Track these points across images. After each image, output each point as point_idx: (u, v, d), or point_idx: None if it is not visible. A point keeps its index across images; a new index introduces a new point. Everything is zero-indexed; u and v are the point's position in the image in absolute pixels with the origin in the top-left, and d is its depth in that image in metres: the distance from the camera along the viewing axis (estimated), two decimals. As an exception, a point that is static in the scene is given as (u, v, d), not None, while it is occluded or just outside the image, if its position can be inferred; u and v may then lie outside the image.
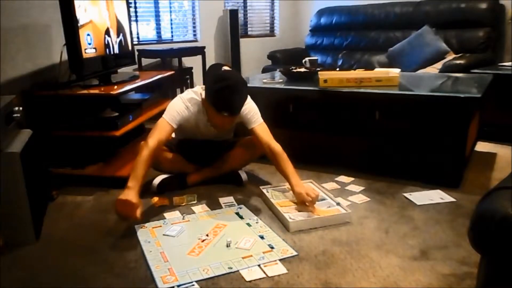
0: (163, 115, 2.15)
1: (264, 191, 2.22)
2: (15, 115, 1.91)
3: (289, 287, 1.47)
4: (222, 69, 2.30)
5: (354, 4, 4.79)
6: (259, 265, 1.59)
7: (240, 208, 2.11)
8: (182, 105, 2.18)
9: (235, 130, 2.61)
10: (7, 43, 2.43)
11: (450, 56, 3.76)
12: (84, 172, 2.49)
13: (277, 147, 2.16)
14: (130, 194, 1.87)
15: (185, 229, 1.90)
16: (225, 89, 2.02)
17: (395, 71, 2.71)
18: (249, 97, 2.22)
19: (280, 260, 1.63)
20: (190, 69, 4.30)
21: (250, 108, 2.21)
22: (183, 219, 2.01)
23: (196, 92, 2.22)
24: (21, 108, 1.94)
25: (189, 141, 2.45)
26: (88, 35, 2.51)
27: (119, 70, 3.05)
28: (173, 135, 2.64)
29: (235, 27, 4.75)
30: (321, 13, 5.02)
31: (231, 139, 2.55)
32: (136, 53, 3.70)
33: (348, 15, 4.78)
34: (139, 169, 1.96)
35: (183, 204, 2.18)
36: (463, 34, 3.95)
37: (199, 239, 1.80)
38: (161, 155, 2.33)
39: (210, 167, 2.42)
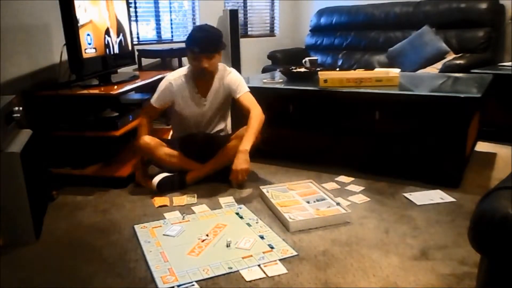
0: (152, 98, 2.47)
1: (264, 191, 2.22)
2: (15, 115, 1.91)
3: (289, 287, 1.47)
4: None
5: (354, 4, 4.78)
6: (259, 265, 1.59)
7: (240, 208, 2.11)
8: (165, 82, 2.42)
9: (233, 127, 2.63)
10: (7, 43, 2.43)
11: (450, 56, 3.75)
12: (84, 172, 2.49)
13: (254, 111, 2.33)
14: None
15: (185, 229, 1.90)
16: (194, 29, 2.38)
17: (395, 71, 2.71)
18: (233, 70, 2.48)
19: (280, 260, 1.63)
20: (190, 69, 4.30)
21: (235, 79, 2.43)
22: (183, 219, 2.01)
23: (183, 68, 2.47)
24: (21, 108, 1.94)
25: (187, 137, 2.48)
26: (88, 35, 2.51)
27: (119, 70, 3.05)
28: (169, 136, 2.67)
29: (235, 27, 4.74)
30: (321, 13, 5.02)
31: (227, 135, 2.58)
32: (136, 53, 3.70)
33: (348, 15, 4.77)
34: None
35: (183, 204, 2.18)
36: (463, 34, 3.94)
37: (199, 239, 1.80)
38: (161, 151, 2.37)
39: (208, 163, 2.43)
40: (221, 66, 2.44)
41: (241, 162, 2.19)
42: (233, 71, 2.47)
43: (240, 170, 2.18)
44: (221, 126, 2.59)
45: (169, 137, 2.70)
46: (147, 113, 2.49)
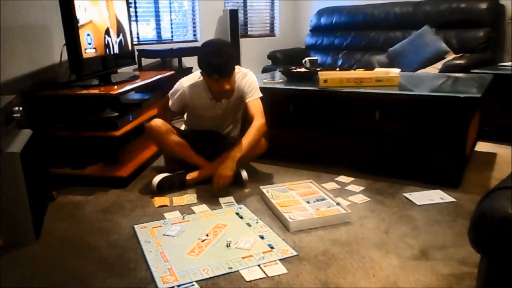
0: None
1: (264, 191, 2.22)
2: (15, 115, 1.91)
3: (289, 287, 1.47)
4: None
5: (354, 4, 4.78)
6: (259, 265, 1.59)
7: (240, 208, 2.11)
8: (179, 88, 2.37)
9: (242, 129, 2.63)
10: (7, 43, 2.43)
11: (450, 56, 3.75)
12: (84, 172, 2.48)
13: (257, 121, 2.29)
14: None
15: (185, 229, 1.90)
16: (208, 54, 2.19)
17: (395, 71, 2.71)
18: (250, 72, 2.41)
19: (280, 260, 1.63)
20: (190, 69, 4.30)
21: (250, 82, 2.36)
22: (183, 219, 2.01)
23: (197, 73, 2.37)
24: (21, 108, 1.94)
25: (198, 132, 2.51)
26: (88, 35, 2.51)
27: (119, 70, 3.05)
28: (183, 127, 2.67)
29: (235, 27, 4.74)
30: (321, 13, 5.02)
31: (236, 137, 2.58)
32: (136, 53, 3.70)
33: (348, 15, 4.78)
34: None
35: (183, 204, 2.18)
36: (463, 34, 3.95)
37: (199, 239, 1.80)
38: (170, 138, 2.38)
39: (211, 164, 2.42)
40: (236, 68, 2.35)
41: (227, 168, 2.18)
42: (249, 73, 2.39)
43: (223, 176, 2.17)
44: (232, 126, 2.61)
45: (182, 127, 2.70)
46: (165, 108, 2.49)
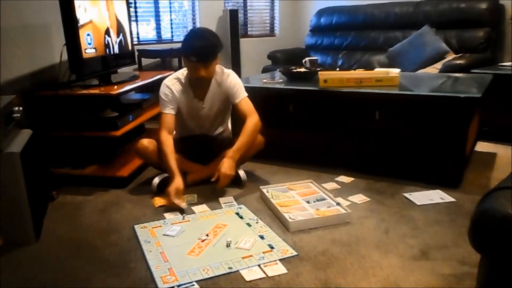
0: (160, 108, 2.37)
1: (264, 191, 2.22)
2: (15, 115, 1.91)
3: (289, 287, 1.47)
4: None
5: (354, 4, 4.78)
6: (259, 265, 1.59)
7: (240, 208, 2.11)
8: (164, 88, 2.34)
9: (233, 129, 2.62)
10: (7, 43, 2.43)
11: (450, 56, 3.75)
12: (84, 172, 2.48)
13: (250, 120, 2.30)
14: (176, 182, 2.13)
15: (185, 229, 1.90)
16: (190, 36, 2.28)
17: (395, 71, 2.72)
18: (233, 72, 2.40)
19: (280, 260, 1.63)
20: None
21: (235, 83, 2.36)
22: (183, 219, 2.01)
23: (179, 72, 2.40)
24: (21, 108, 1.94)
25: (188, 138, 2.47)
26: (88, 35, 2.51)
27: (119, 70, 3.05)
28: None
29: (235, 27, 4.75)
30: (321, 13, 5.02)
31: (229, 136, 2.57)
32: (136, 53, 3.70)
33: (348, 15, 4.78)
34: (170, 162, 2.20)
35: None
36: (463, 34, 3.95)
37: (199, 239, 1.80)
38: (161, 154, 2.35)
39: (210, 165, 2.42)
40: (218, 68, 2.35)
41: (228, 167, 2.20)
42: (231, 73, 2.38)
43: (227, 175, 2.19)
44: (222, 128, 2.58)
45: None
46: (165, 127, 2.28)
